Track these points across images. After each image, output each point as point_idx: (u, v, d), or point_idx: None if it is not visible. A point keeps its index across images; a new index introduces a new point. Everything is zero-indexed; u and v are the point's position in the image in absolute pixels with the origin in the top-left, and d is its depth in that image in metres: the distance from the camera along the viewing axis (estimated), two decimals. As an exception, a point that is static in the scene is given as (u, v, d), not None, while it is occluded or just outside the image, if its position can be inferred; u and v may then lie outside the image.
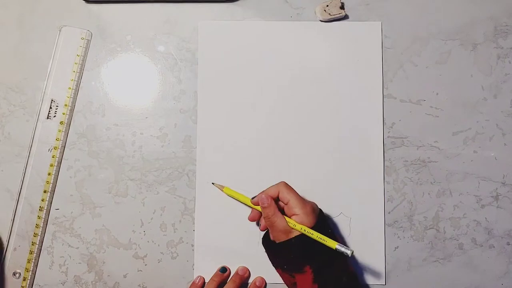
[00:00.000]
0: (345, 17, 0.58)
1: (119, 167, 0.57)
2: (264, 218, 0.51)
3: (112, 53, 0.58)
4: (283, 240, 0.49)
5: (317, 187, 0.56)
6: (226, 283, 0.54)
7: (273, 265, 0.54)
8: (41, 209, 0.56)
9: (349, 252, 0.46)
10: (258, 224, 0.55)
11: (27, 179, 0.56)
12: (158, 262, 0.56)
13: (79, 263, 0.56)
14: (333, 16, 0.57)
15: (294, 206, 0.49)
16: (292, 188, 0.51)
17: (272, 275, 0.55)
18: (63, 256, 0.56)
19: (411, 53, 0.58)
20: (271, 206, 0.50)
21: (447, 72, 0.58)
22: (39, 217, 0.56)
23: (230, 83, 0.57)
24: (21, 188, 0.56)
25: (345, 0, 0.58)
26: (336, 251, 0.47)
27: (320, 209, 0.52)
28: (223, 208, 0.56)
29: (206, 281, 0.55)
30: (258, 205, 0.51)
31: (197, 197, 0.56)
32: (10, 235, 0.55)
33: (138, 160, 0.57)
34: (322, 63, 0.57)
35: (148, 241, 0.56)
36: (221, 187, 0.55)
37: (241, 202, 0.54)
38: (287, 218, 0.49)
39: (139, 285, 0.56)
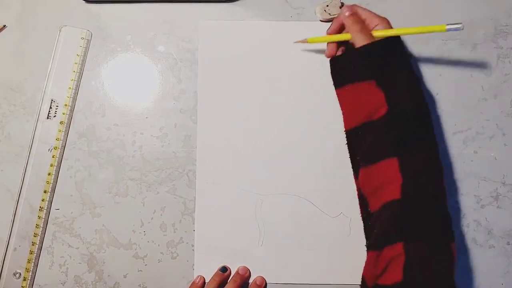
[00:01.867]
0: (345, 17, 0.58)
1: (119, 167, 0.57)
2: (352, 24, 0.51)
3: (112, 53, 0.58)
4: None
5: (317, 187, 0.56)
6: (226, 282, 0.54)
7: (336, 83, 0.53)
8: (41, 209, 0.56)
9: (460, 26, 0.46)
10: None
11: (27, 179, 0.56)
12: (158, 262, 0.56)
13: (79, 263, 0.56)
14: (333, 16, 0.57)
15: (372, 18, 0.51)
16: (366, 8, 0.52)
17: (272, 275, 0.55)
18: (63, 256, 0.56)
19: (411, 53, 0.58)
20: (354, 12, 0.52)
21: (447, 72, 0.58)
22: (39, 217, 0.56)
23: (230, 83, 0.57)
24: (21, 188, 0.56)
25: (345, 0, 0.58)
26: (407, 68, 0.49)
27: None
28: (223, 208, 0.56)
29: (206, 281, 0.55)
30: (336, 32, 0.53)
31: (197, 197, 0.56)
32: (10, 235, 0.55)
33: (138, 160, 0.57)
34: (322, 63, 0.57)
35: (148, 241, 0.56)
36: (304, 41, 0.55)
37: (328, 40, 0.54)
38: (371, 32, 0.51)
39: (139, 285, 0.56)
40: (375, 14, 0.52)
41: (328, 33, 0.54)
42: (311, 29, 0.58)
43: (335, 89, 0.53)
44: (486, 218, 0.57)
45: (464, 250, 0.56)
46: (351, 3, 0.58)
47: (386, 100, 0.48)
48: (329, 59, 0.54)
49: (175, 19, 0.58)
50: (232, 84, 0.57)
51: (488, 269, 0.56)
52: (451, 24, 0.46)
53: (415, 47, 0.58)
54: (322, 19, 0.58)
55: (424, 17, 0.58)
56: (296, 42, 0.56)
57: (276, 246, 0.56)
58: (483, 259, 0.56)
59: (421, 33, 0.49)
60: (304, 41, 0.55)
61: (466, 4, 0.59)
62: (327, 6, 0.57)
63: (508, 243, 0.56)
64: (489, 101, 0.58)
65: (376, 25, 0.51)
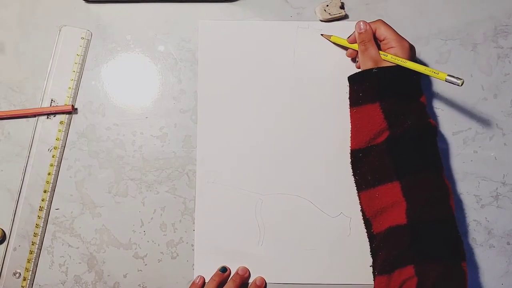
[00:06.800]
0: (345, 17, 0.58)
1: (119, 167, 0.57)
2: (359, 44, 0.52)
3: (112, 53, 0.58)
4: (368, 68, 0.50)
5: (317, 187, 0.56)
6: (226, 282, 0.54)
7: (350, 103, 0.53)
8: (41, 209, 0.56)
9: (459, 82, 0.44)
10: (355, 61, 0.56)
11: (27, 179, 0.56)
12: (158, 262, 0.56)
13: (79, 263, 0.56)
14: (333, 16, 0.57)
15: (391, 40, 0.50)
16: (390, 26, 0.51)
17: (272, 275, 0.55)
18: (63, 256, 0.56)
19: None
20: (367, 32, 0.51)
21: (447, 72, 0.58)
22: (39, 217, 0.56)
23: (230, 83, 0.57)
24: (21, 188, 0.56)
25: (345, 0, 0.58)
26: (413, 96, 0.49)
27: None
28: (223, 208, 0.56)
29: (206, 281, 0.55)
30: (354, 42, 0.53)
31: (197, 197, 0.56)
32: (10, 235, 0.55)
33: (138, 160, 0.57)
34: (322, 62, 0.57)
35: (148, 241, 0.56)
36: (328, 37, 0.57)
37: (346, 46, 0.55)
38: (380, 52, 0.50)
39: (139, 285, 0.56)
40: (397, 37, 0.50)
41: (348, 41, 0.54)
42: (311, 29, 0.58)
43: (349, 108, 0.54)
44: (486, 218, 0.57)
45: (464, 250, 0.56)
46: (353, 2, 0.58)
47: (388, 125, 0.48)
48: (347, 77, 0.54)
49: (175, 19, 0.58)
50: (232, 84, 0.57)
51: (488, 269, 0.56)
52: (452, 76, 0.46)
53: (415, 47, 0.58)
54: (322, 19, 0.58)
55: (424, 17, 0.58)
56: (322, 34, 0.57)
57: (276, 246, 0.56)
58: (483, 259, 0.56)
59: (422, 72, 0.49)
60: (328, 37, 0.56)
61: (466, 4, 0.59)
62: (327, 6, 0.57)
63: (508, 243, 0.56)
64: (489, 101, 0.58)
65: (390, 48, 0.50)
